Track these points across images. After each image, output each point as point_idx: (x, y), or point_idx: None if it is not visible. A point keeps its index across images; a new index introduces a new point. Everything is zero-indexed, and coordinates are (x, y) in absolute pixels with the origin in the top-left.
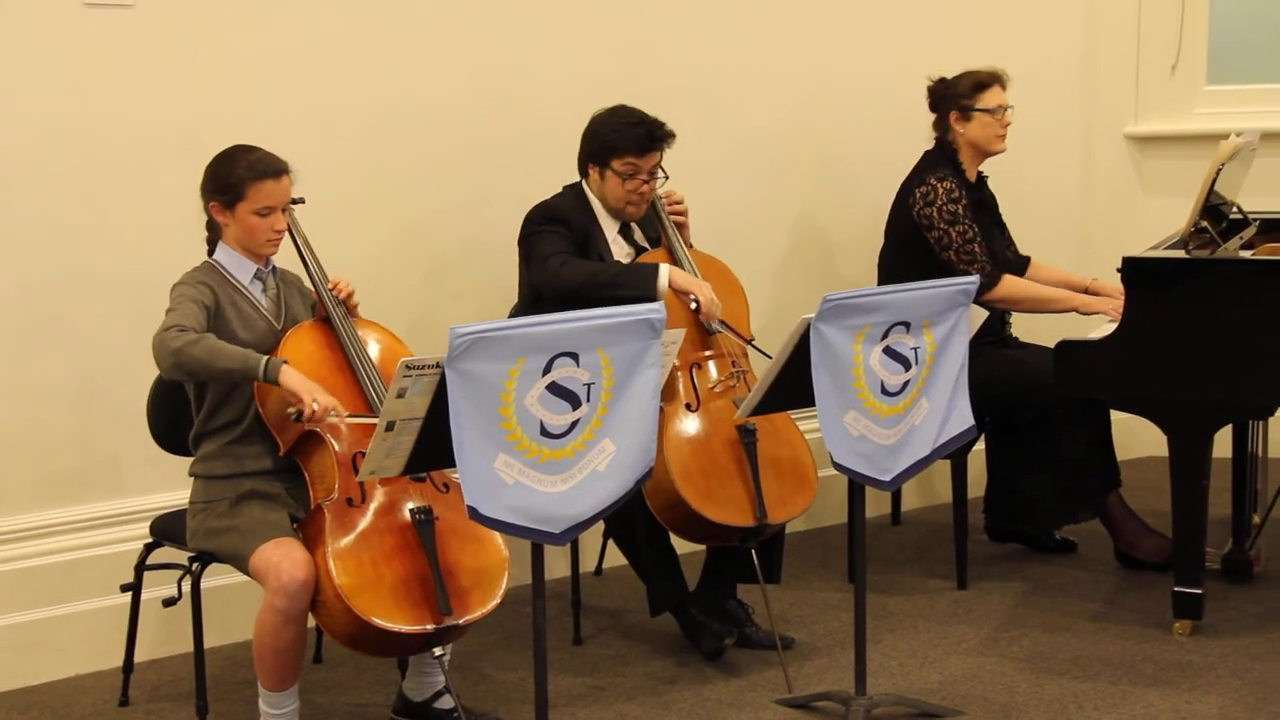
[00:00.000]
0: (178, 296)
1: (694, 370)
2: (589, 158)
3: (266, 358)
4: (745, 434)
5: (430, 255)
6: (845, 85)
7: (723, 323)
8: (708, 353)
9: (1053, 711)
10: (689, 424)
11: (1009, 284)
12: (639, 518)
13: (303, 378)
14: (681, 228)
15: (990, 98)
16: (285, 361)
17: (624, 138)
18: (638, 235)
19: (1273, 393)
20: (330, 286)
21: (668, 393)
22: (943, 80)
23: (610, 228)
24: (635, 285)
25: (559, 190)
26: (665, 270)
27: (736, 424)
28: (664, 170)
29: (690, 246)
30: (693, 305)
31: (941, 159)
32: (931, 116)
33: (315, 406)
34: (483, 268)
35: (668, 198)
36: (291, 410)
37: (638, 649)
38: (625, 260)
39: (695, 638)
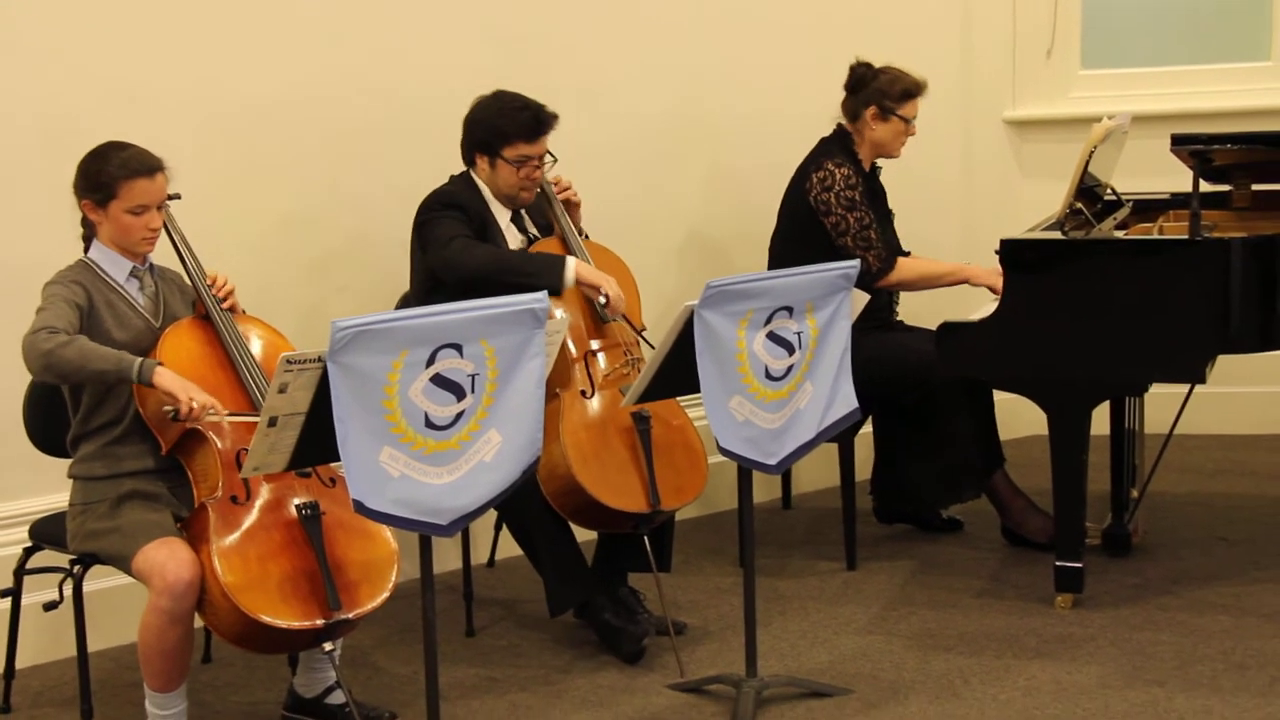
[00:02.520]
0: (49, 296)
1: (589, 359)
2: (477, 147)
3: (140, 359)
4: (640, 421)
5: (314, 249)
6: (729, 73)
7: (623, 315)
8: (603, 342)
9: (939, 687)
10: (585, 411)
11: (903, 267)
12: (535, 512)
13: (177, 377)
14: (573, 207)
15: (911, 108)
16: (159, 363)
17: (513, 125)
18: (529, 224)
19: (1148, 369)
20: (208, 283)
21: (564, 380)
22: (869, 67)
23: (502, 215)
24: (541, 274)
25: (444, 181)
26: (572, 264)
27: (630, 411)
28: (552, 154)
29: (584, 234)
30: (601, 300)
31: (838, 146)
32: (840, 95)
33: (194, 405)
34: (368, 260)
35: (556, 184)
36: (168, 409)
37: (531, 639)
38: (518, 249)
39: (613, 642)
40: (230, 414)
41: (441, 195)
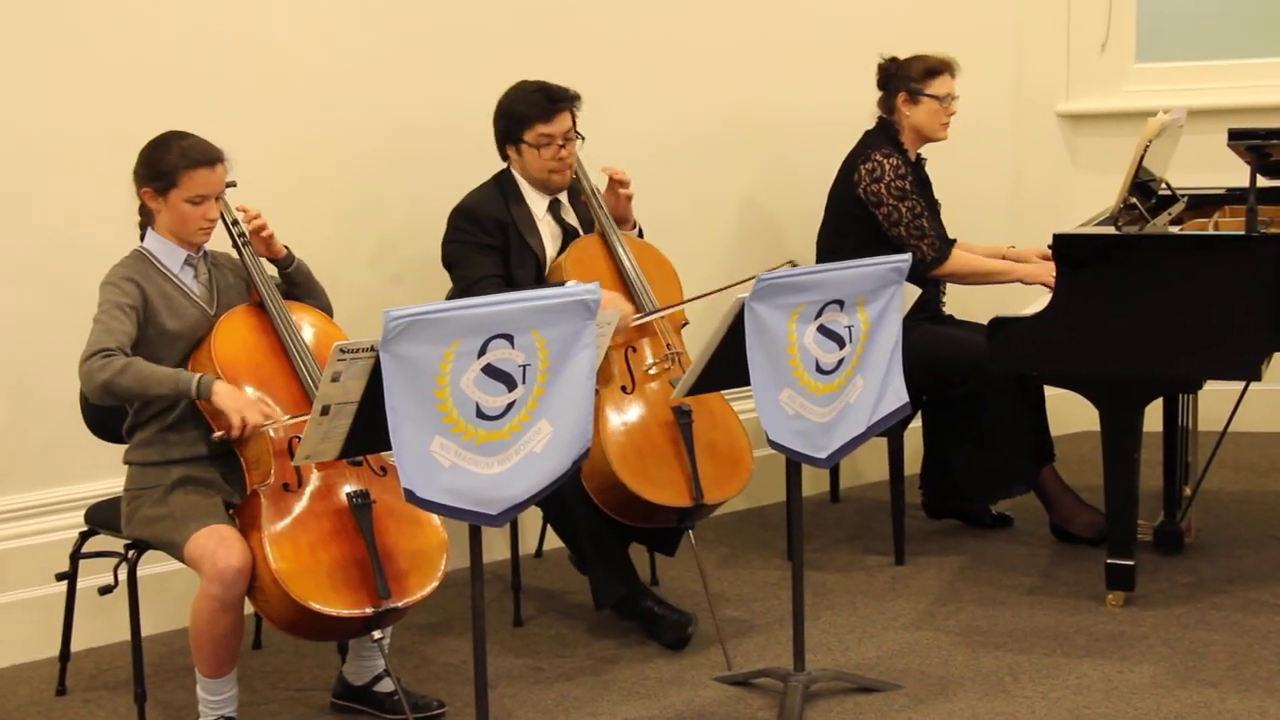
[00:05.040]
0: (103, 304)
1: (629, 353)
2: (503, 138)
3: (198, 376)
4: (681, 415)
5: (369, 239)
6: (781, 69)
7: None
8: (643, 335)
9: (988, 684)
10: (625, 406)
11: (956, 258)
12: (577, 508)
13: (234, 394)
14: (623, 201)
15: (940, 85)
16: (217, 377)
17: (528, 107)
18: (568, 215)
19: (1201, 366)
20: (233, 220)
21: (603, 375)
22: (894, 60)
23: (539, 205)
24: None
25: (494, 173)
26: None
27: (672, 405)
28: (579, 133)
29: (636, 226)
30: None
31: (884, 138)
32: (878, 94)
33: (246, 424)
34: (423, 251)
35: (613, 174)
36: (219, 435)
37: (578, 630)
38: (554, 241)
39: (656, 630)
40: (290, 417)
41: (457, 211)
